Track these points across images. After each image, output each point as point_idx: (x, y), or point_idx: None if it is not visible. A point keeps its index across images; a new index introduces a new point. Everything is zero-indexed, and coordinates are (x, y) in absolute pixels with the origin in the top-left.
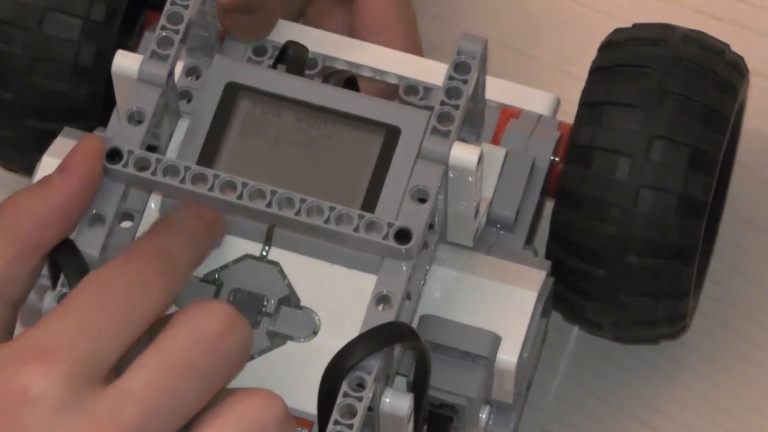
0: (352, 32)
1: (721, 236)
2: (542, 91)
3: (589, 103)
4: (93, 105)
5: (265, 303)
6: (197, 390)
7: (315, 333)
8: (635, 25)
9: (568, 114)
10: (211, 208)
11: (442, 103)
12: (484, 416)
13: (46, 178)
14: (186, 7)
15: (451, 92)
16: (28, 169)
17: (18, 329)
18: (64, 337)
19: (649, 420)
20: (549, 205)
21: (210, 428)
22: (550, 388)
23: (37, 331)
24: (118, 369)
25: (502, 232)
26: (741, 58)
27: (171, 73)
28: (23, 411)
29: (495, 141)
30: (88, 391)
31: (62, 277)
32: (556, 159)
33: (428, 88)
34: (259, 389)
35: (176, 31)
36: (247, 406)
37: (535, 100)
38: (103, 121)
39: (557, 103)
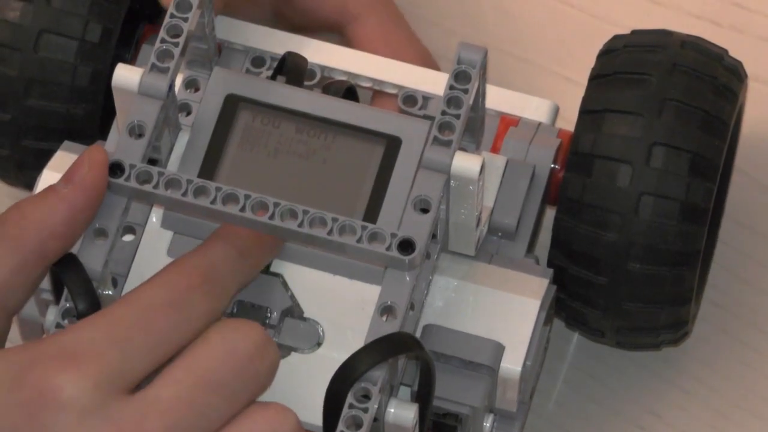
0: None
1: (721, 242)
2: (541, 99)
3: (589, 111)
4: (90, 124)
5: (269, 315)
6: (222, 408)
7: (319, 344)
8: (633, 32)
9: (568, 120)
10: None
11: (443, 112)
12: (487, 425)
13: (52, 189)
14: (185, 19)
15: (452, 102)
16: (28, 185)
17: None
18: (94, 346)
19: (648, 425)
20: (549, 213)
21: None
22: (550, 395)
23: (67, 335)
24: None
25: (503, 240)
26: (740, 63)
27: (171, 86)
28: (50, 414)
29: (494, 149)
30: (113, 399)
31: (65, 291)
32: (556, 167)
33: (427, 98)
34: (271, 402)
35: (176, 44)
36: (261, 418)
37: (534, 108)
38: (101, 138)
39: (556, 111)
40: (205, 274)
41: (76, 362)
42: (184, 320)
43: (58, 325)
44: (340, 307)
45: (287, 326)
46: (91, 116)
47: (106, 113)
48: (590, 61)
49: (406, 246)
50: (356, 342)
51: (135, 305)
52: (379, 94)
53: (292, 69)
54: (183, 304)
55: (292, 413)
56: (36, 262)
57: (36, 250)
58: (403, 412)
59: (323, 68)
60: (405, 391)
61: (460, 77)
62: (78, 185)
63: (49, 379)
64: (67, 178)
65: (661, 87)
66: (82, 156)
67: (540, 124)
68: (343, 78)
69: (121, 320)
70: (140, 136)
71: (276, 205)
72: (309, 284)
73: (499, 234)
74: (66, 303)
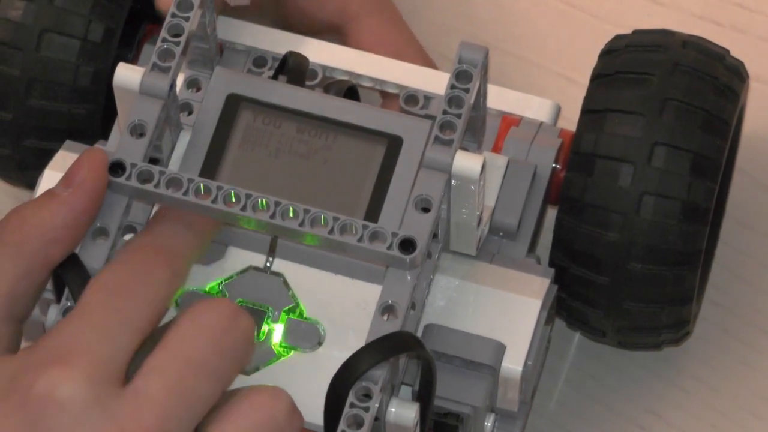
0: None
1: (721, 241)
2: (543, 99)
3: (590, 111)
4: (92, 124)
5: (270, 314)
6: (210, 386)
7: (320, 344)
8: (635, 32)
9: (570, 120)
10: None
11: (444, 112)
12: (488, 424)
13: (52, 193)
14: (186, 19)
15: (453, 101)
16: (29, 185)
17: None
18: (78, 339)
19: (649, 425)
20: (550, 213)
21: (221, 426)
22: (551, 394)
23: (52, 337)
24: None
25: (504, 240)
26: (741, 63)
27: (172, 85)
28: (49, 416)
29: (496, 149)
30: (108, 392)
31: (66, 290)
32: (558, 166)
33: (429, 97)
34: (263, 386)
35: (177, 44)
36: (255, 401)
37: (535, 108)
38: (103, 138)
39: (557, 110)
40: (156, 246)
41: (65, 360)
42: (151, 292)
43: None
44: (341, 307)
45: (288, 326)
46: (93, 116)
47: (108, 113)
48: (592, 61)
49: (407, 245)
50: (357, 341)
51: (103, 291)
52: (387, 97)
53: (293, 69)
54: (145, 276)
55: (286, 394)
56: (39, 267)
57: (39, 256)
58: (404, 411)
59: (325, 68)
60: (406, 391)
61: (461, 77)
62: (78, 188)
63: (42, 381)
64: (66, 181)
65: (662, 87)
66: (80, 158)
67: (541, 123)
68: (345, 78)
69: (95, 308)
70: (141, 135)
71: (277, 204)
72: (310, 284)
73: (501, 234)
74: (67, 302)
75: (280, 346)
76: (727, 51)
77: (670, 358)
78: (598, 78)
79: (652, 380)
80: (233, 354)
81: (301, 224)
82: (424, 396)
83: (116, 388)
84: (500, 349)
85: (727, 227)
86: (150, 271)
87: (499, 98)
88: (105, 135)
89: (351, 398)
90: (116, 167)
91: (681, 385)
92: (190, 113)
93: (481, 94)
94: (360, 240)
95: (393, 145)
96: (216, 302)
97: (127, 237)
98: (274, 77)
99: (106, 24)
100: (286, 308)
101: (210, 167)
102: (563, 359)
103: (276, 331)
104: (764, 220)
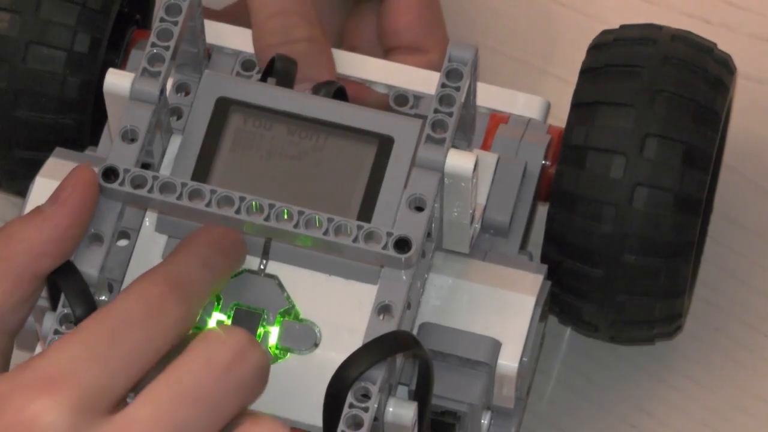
0: (381, 34)
1: (711, 239)
2: (530, 95)
3: (581, 104)
4: (81, 134)
5: (266, 317)
6: (206, 420)
7: (316, 345)
8: (622, 27)
9: (560, 119)
10: (231, 231)
11: (436, 110)
12: (485, 422)
13: (39, 209)
14: (175, 23)
15: (444, 100)
16: (21, 193)
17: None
18: (70, 367)
19: (640, 423)
20: (540, 210)
21: None
22: (543, 393)
23: (44, 360)
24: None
25: (496, 237)
26: (729, 56)
27: (163, 90)
28: None
29: (485, 147)
30: (93, 421)
31: (62, 298)
32: (547, 163)
33: (418, 97)
34: (262, 417)
35: (166, 48)
36: None
37: (524, 105)
38: (93, 144)
39: (546, 107)
40: (175, 281)
41: (52, 387)
42: (159, 330)
43: (56, 332)
44: (337, 308)
45: (284, 327)
46: (81, 126)
47: (96, 123)
48: (581, 59)
49: (402, 244)
50: (353, 342)
51: (109, 321)
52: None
53: (281, 71)
54: (156, 314)
55: (283, 426)
56: (28, 279)
57: (27, 269)
58: (402, 410)
59: None
60: (402, 390)
61: (451, 75)
62: (63, 204)
63: (27, 406)
64: (53, 198)
65: (652, 78)
66: (68, 176)
67: (530, 120)
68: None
69: (96, 338)
70: (133, 140)
71: (271, 206)
72: (305, 285)
73: (492, 231)
74: (64, 309)
75: (277, 348)
76: (715, 44)
77: (661, 356)
78: (587, 71)
79: (644, 378)
80: (237, 390)
81: (296, 226)
82: (422, 395)
83: (104, 417)
84: (496, 346)
85: (718, 225)
86: (162, 308)
87: (488, 96)
88: (94, 142)
89: (350, 399)
90: (109, 173)
91: (673, 383)
92: (179, 117)
93: (471, 93)
94: (355, 240)
95: (384, 144)
96: (226, 335)
97: (121, 242)
98: (263, 80)
99: (92, 34)
100: (282, 310)
101: (201, 171)
102: (555, 358)
103: (272, 334)
104: (755, 218)
